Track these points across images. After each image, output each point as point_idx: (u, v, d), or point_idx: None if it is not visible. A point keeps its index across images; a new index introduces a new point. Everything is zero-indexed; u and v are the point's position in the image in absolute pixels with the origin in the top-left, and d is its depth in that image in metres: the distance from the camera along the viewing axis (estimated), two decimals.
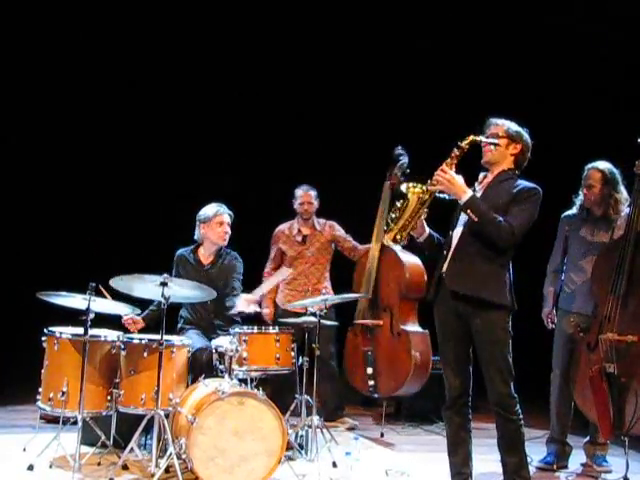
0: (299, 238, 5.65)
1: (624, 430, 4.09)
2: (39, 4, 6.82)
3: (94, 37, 7.00)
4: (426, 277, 5.20)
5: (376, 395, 5.35)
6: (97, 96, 7.15)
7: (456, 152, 3.47)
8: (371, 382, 5.23)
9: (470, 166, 3.69)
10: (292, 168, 6.62)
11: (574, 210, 4.73)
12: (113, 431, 4.25)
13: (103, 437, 4.17)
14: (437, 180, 3.43)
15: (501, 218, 3.42)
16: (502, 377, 3.47)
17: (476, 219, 3.40)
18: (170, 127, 7.23)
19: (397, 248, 5.18)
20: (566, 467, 4.71)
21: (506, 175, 3.61)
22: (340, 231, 5.73)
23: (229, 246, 5.01)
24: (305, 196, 5.63)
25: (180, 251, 5.01)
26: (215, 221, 4.90)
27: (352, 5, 7.07)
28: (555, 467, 4.65)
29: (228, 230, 4.92)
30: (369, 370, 5.23)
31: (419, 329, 5.26)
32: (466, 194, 3.43)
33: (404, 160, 5.40)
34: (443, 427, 5.49)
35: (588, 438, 4.73)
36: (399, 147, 5.48)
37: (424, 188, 3.46)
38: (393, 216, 3.50)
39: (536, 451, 4.76)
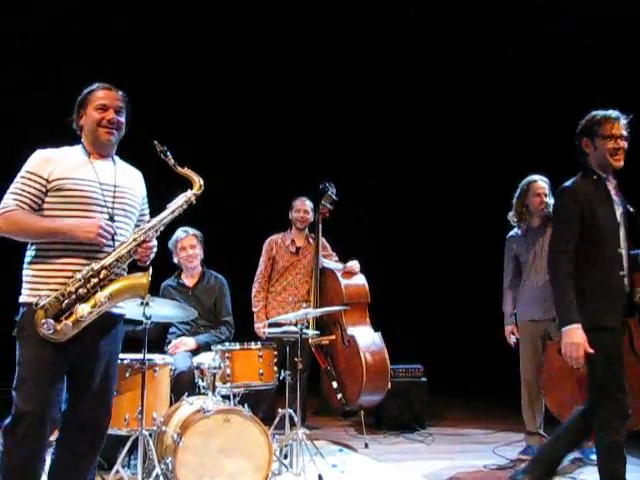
0: (293, 249, 5.68)
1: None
2: None
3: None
4: (363, 282, 5.49)
5: (347, 408, 5.41)
6: None
7: None
8: (339, 395, 5.30)
9: None
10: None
11: (516, 228, 5.03)
12: None
13: None
14: None
15: None
16: None
17: None
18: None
19: (332, 266, 5.58)
20: None
21: None
22: (328, 248, 5.83)
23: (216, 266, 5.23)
24: (302, 205, 5.70)
25: (164, 283, 5.20)
26: (179, 247, 5.13)
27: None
28: None
29: (192, 252, 5.11)
30: (334, 384, 5.33)
31: (368, 331, 5.43)
32: None
33: (332, 190, 5.60)
34: (425, 435, 5.61)
35: None
36: (324, 181, 5.67)
37: None
38: None
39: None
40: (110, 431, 3.95)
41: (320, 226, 5.61)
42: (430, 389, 5.97)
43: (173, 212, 3.20)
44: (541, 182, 4.91)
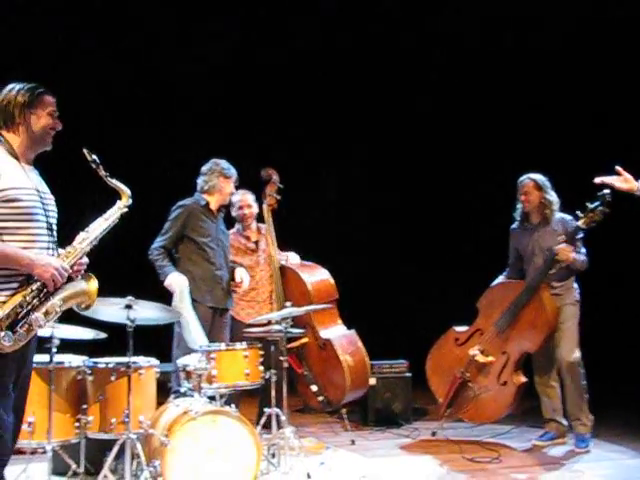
0: (251, 245, 5.47)
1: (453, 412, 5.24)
2: None
3: None
4: (328, 276, 5.44)
5: (330, 408, 5.44)
6: None
7: None
8: (320, 398, 5.30)
9: None
10: None
11: (517, 223, 5.22)
12: (83, 459, 4.16)
13: (74, 465, 4.07)
14: None
15: None
16: None
17: None
18: None
19: (294, 264, 5.43)
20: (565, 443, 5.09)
21: None
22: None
23: None
24: (244, 200, 5.38)
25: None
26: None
27: None
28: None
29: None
30: (314, 388, 5.30)
31: (343, 331, 5.42)
32: None
33: (275, 178, 5.39)
34: (411, 430, 5.62)
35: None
36: (267, 168, 5.44)
37: None
38: None
39: None
40: (97, 435, 3.98)
41: (271, 219, 5.36)
42: (414, 384, 5.98)
43: (109, 226, 3.14)
44: (526, 180, 5.05)
